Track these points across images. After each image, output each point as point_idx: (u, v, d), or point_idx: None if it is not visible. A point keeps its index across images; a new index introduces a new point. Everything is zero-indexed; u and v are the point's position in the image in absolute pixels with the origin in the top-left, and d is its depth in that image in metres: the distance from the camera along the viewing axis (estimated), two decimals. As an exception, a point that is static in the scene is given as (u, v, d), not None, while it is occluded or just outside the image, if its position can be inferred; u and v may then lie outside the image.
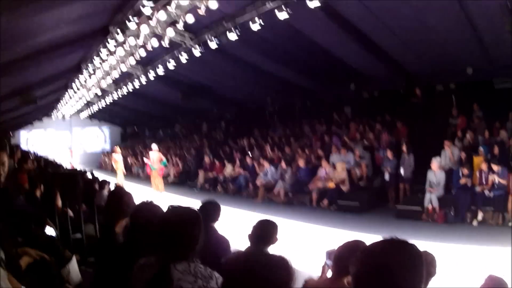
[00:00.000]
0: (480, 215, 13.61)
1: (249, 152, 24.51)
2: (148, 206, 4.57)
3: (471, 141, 16.02)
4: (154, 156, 24.32)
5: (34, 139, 45.77)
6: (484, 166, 13.96)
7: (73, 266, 6.41)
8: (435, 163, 14.97)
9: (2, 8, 10.73)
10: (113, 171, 28.76)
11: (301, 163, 19.78)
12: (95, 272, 5.54)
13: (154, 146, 25.30)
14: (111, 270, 4.62)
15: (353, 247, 4.17)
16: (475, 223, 13.60)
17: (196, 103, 30.31)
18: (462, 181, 14.28)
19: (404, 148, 16.68)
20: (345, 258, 4.04)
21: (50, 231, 7.15)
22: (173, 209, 3.62)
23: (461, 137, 16.46)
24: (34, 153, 26.17)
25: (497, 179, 13.49)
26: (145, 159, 26.28)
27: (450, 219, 14.00)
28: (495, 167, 13.61)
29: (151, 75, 23.76)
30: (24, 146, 34.67)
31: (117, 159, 26.20)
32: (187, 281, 3.27)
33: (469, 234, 12.45)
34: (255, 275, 2.32)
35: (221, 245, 6.11)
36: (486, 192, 13.63)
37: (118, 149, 27.17)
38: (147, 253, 3.67)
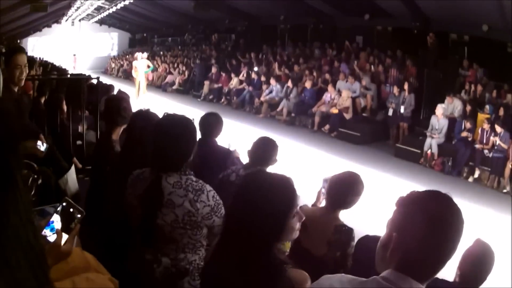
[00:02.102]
0: (476, 173, 13.59)
1: (256, 68, 24.40)
2: (144, 114, 4.58)
3: (478, 96, 15.79)
4: (143, 63, 25.02)
5: (41, 46, 44.99)
6: (486, 125, 13.74)
7: (71, 175, 6.35)
8: (440, 109, 14.84)
9: None
10: (132, 80, 28.44)
11: (308, 84, 19.79)
12: (90, 182, 5.63)
13: (144, 54, 26.30)
14: (106, 180, 4.70)
15: (348, 180, 4.27)
16: (470, 179, 13.60)
17: (208, 14, 29.64)
18: (464, 134, 14.18)
19: (406, 86, 16.62)
20: (339, 191, 4.19)
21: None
22: (166, 117, 3.60)
23: (468, 90, 16.25)
24: (40, 59, 25.72)
25: (498, 141, 13.25)
26: (133, 64, 25.62)
27: (447, 169, 13.99)
28: (498, 129, 13.36)
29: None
30: (31, 53, 34.45)
31: (138, 67, 24.79)
32: (177, 195, 3.29)
33: (463, 189, 12.46)
34: (260, 194, 2.37)
35: (222, 158, 6.11)
36: (486, 152, 13.50)
37: (140, 55, 25.71)
38: (142, 163, 3.72)
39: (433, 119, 14.93)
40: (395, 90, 16.97)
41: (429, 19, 19.37)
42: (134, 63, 25.14)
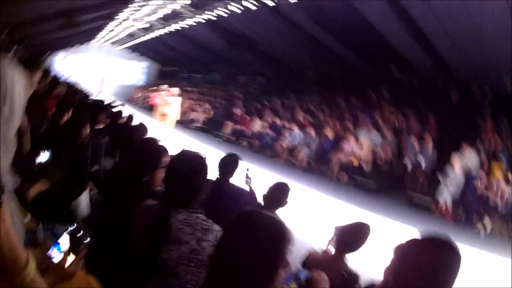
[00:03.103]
0: (489, 224, 13.39)
1: (280, 112, 24.48)
2: (149, 142, 4.82)
3: (495, 147, 15.74)
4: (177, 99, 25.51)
5: (70, 63, 45.02)
6: (501, 176, 13.71)
7: (84, 199, 6.49)
8: (456, 159, 14.88)
9: None
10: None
11: (329, 133, 19.80)
12: (100, 207, 5.66)
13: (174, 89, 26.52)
14: (114, 207, 4.73)
15: (358, 229, 4.43)
16: (483, 230, 13.42)
17: (239, 55, 30.28)
18: (478, 185, 14.04)
19: (428, 140, 16.70)
20: (347, 238, 4.36)
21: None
22: (180, 154, 3.66)
23: (485, 141, 16.26)
24: (67, 78, 25.76)
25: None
26: (166, 99, 24.72)
27: (460, 220, 13.90)
28: (512, 179, 13.33)
29: (201, 18, 23.80)
30: (57, 69, 34.67)
31: (173, 103, 23.81)
32: (185, 232, 3.32)
33: (475, 239, 12.40)
34: (246, 232, 2.30)
35: (237, 198, 6.16)
36: (499, 202, 13.38)
37: (176, 91, 24.68)
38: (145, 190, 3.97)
39: (449, 169, 14.90)
40: (415, 143, 17.03)
41: (452, 72, 19.54)
42: (168, 98, 24.15)
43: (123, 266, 3.88)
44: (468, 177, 14.70)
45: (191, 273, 3.32)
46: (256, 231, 2.32)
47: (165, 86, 26.08)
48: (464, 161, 15.21)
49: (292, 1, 16.86)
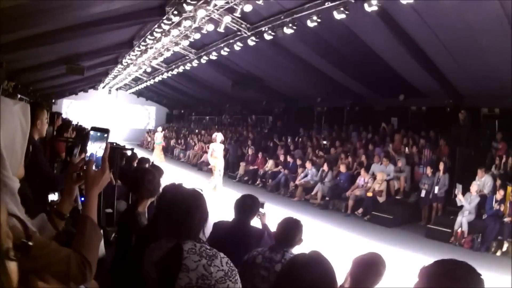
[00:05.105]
0: (505, 246, 13.25)
1: (292, 151, 24.43)
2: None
3: (509, 169, 15.54)
4: (159, 135, 29.08)
5: (75, 109, 45.73)
6: None
7: None
8: (475, 186, 14.67)
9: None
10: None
11: (342, 168, 19.71)
12: (115, 250, 5.66)
13: (159, 128, 30.25)
14: (129, 250, 4.82)
15: (370, 261, 4.37)
16: (499, 253, 13.25)
17: (246, 94, 30.46)
18: (495, 206, 13.91)
19: (441, 167, 16.55)
20: (361, 272, 4.29)
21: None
22: (178, 190, 3.88)
23: (499, 164, 16.05)
24: (76, 123, 25.99)
25: (526, 214, 12.99)
26: (211, 146, 20.62)
27: (476, 246, 13.66)
28: (526, 201, 13.08)
29: (204, 59, 23.94)
30: (65, 115, 34.84)
31: (217, 150, 20.08)
32: (192, 260, 3.37)
33: (490, 263, 12.07)
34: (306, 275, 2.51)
35: (255, 240, 6.04)
36: None
37: (220, 137, 20.30)
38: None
39: (466, 196, 14.72)
40: (428, 170, 16.91)
41: (461, 96, 19.50)
42: (212, 145, 20.52)
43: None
44: (484, 201, 14.55)
45: None
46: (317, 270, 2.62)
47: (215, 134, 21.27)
48: (480, 185, 15.05)
49: (289, 33, 16.89)
